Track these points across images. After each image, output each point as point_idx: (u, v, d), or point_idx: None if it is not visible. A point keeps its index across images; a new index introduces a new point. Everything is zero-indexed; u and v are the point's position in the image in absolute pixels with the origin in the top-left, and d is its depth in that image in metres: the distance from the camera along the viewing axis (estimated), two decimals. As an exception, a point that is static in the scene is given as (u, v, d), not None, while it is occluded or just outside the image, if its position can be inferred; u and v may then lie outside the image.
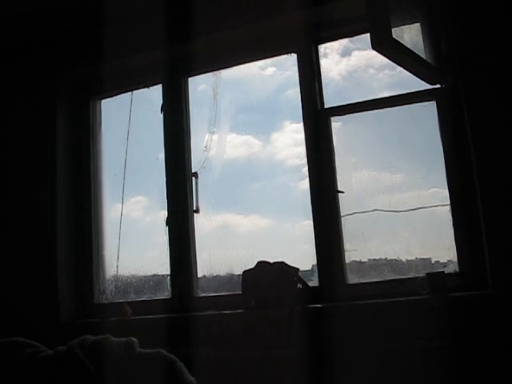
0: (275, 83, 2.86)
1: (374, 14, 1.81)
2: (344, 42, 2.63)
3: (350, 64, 2.70)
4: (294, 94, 2.57)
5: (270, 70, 2.85)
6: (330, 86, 2.63)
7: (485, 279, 2.09)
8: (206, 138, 2.76)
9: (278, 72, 2.85)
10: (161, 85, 2.86)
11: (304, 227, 2.52)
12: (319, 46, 2.60)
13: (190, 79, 2.85)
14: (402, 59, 1.96)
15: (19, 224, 2.88)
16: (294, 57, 2.61)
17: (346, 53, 2.69)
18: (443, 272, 2.17)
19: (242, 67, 2.76)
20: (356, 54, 2.68)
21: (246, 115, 2.91)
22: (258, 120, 2.88)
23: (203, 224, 2.72)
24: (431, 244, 2.31)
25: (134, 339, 0.71)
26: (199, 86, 2.96)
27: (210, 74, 2.81)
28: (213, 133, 2.76)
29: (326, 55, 2.64)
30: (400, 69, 2.07)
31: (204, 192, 2.73)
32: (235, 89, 2.87)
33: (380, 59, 2.07)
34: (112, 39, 2.77)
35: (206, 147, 2.76)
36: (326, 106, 2.53)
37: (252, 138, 2.87)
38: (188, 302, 2.59)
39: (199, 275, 2.67)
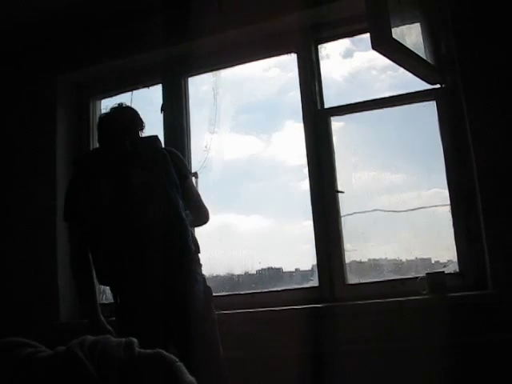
0: (277, 84, 2.86)
1: (373, 13, 1.81)
2: (346, 43, 2.64)
3: (352, 65, 2.70)
4: (296, 94, 2.57)
5: (273, 71, 2.86)
6: (332, 87, 2.62)
7: (485, 279, 2.09)
8: (206, 138, 2.77)
9: (281, 73, 2.86)
10: (161, 85, 2.86)
11: (304, 227, 2.52)
12: (319, 46, 2.60)
13: (189, 79, 2.85)
14: (402, 59, 1.96)
15: (19, 224, 2.88)
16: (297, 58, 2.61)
17: (347, 54, 2.69)
18: (443, 272, 2.17)
19: (243, 67, 2.76)
20: (358, 55, 2.69)
21: (247, 115, 2.92)
22: (260, 120, 2.89)
23: (203, 224, 2.71)
24: (431, 244, 2.31)
25: (134, 339, 0.71)
26: (199, 86, 2.96)
27: (210, 73, 2.81)
28: (213, 133, 2.76)
29: (328, 56, 2.64)
30: (402, 70, 2.08)
31: (204, 192, 2.72)
32: (236, 89, 2.88)
33: (382, 60, 2.06)
34: (112, 39, 2.78)
35: (206, 147, 2.75)
36: (329, 107, 2.53)
37: (253, 138, 2.88)
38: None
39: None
